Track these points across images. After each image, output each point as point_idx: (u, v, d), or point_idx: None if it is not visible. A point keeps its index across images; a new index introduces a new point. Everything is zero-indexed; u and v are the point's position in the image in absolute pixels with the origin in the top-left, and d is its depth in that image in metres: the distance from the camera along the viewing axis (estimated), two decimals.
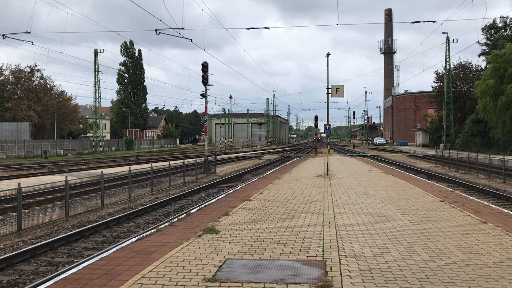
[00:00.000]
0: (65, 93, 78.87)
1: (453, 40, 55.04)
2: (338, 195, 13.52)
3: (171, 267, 6.12)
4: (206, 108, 31.37)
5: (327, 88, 23.12)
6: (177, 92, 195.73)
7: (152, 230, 9.05)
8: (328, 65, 24.32)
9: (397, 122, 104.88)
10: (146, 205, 15.55)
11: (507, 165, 24.57)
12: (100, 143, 67.17)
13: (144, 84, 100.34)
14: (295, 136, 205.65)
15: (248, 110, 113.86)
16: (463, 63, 61.46)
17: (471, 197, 13.74)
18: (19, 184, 11.88)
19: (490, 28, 52.84)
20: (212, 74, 30.08)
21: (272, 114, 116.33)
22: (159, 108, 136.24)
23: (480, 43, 54.17)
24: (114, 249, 7.52)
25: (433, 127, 65.18)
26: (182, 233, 8.42)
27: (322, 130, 34.22)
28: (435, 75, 62.75)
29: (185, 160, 26.51)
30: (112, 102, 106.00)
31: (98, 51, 65.61)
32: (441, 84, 59.78)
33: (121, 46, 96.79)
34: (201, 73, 29.31)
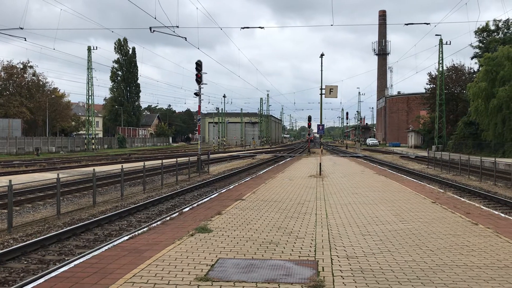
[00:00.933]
0: (58, 90, 78.48)
1: (446, 42, 55.52)
2: (331, 196, 13.55)
3: (163, 266, 6.11)
4: (199, 106, 31.33)
5: (321, 89, 23.16)
6: (171, 90, 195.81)
7: (144, 229, 9.02)
8: (322, 66, 24.36)
9: (390, 123, 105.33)
10: (138, 203, 15.50)
11: (498, 168, 24.77)
12: (93, 140, 66.83)
13: (138, 82, 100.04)
14: (288, 136, 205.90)
15: (241, 109, 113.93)
16: (456, 65, 61.87)
17: (463, 199, 13.84)
18: (10, 181, 11.80)
19: (483, 31, 53.22)
20: (206, 73, 30.05)
21: (265, 113, 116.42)
22: (152, 106, 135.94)
23: (472, 46, 54.55)
24: (106, 247, 7.49)
25: (425, 128, 65.54)
26: (174, 232, 8.40)
27: (315, 130, 34.29)
28: (428, 77, 63.15)
29: (178, 159, 26.45)
30: (105, 99, 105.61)
31: (92, 48, 65.30)
32: (434, 86, 60.13)
33: (115, 44, 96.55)
34: (195, 72, 29.27)
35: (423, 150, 56.43)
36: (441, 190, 16.72)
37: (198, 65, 29.21)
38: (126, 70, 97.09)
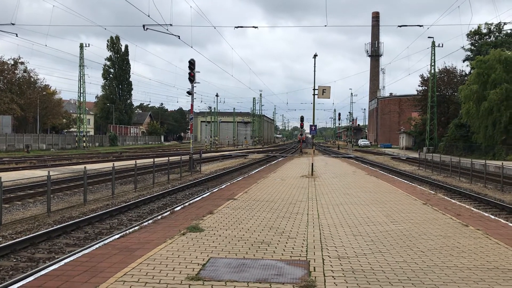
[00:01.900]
0: (49, 87, 77.91)
1: (439, 44, 55.75)
2: (323, 196, 13.58)
3: (154, 265, 6.08)
4: (192, 105, 31.25)
5: (314, 89, 23.19)
6: (163, 88, 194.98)
7: (136, 228, 8.98)
8: (315, 66, 24.38)
9: (382, 125, 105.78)
10: (130, 202, 15.42)
11: (488, 170, 24.99)
12: (84, 138, 66.47)
13: (130, 80, 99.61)
14: (280, 136, 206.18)
15: (234, 109, 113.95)
16: (448, 67, 62.23)
17: (453, 201, 13.93)
18: None
19: (475, 34, 53.59)
20: (199, 72, 30.00)
21: (258, 113, 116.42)
22: (144, 104, 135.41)
23: (464, 49, 54.92)
24: (97, 245, 7.44)
25: (416, 130, 65.90)
26: (165, 231, 8.37)
27: (307, 130, 34.35)
28: (420, 79, 63.43)
29: (170, 158, 26.38)
30: (96, 97, 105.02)
31: (84, 45, 64.91)
32: (425, 88, 60.46)
33: (107, 41, 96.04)
34: (187, 70, 29.19)
35: (414, 151, 56.76)
36: (432, 191, 16.82)
37: (191, 63, 29.14)
38: (118, 68, 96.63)
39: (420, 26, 34.64)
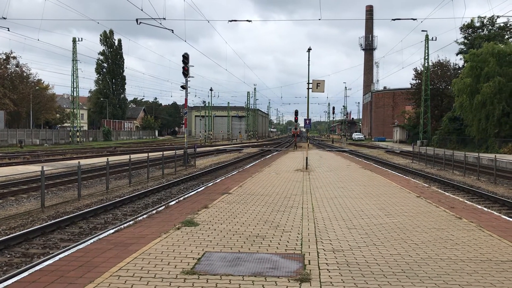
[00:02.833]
0: (42, 81, 77.39)
1: (432, 38, 55.84)
2: (317, 189, 13.62)
3: (149, 260, 6.08)
4: (186, 100, 31.16)
5: (308, 83, 23.18)
6: (157, 83, 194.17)
7: (130, 222, 8.97)
8: (309, 60, 24.36)
9: (376, 118, 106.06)
10: (124, 196, 15.39)
11: (482, 163, 25.14)
12: (77, 133, 66.18)
13: (124, 74, 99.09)
14: (275, 130, 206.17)
15: (228, 103, 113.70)
16: (441, 61, 62.40)
17: (447, 193, 14.01)
18: None
19: (468, 28, 53.71)
20: (193, 66, 29.87)
21: (252, 107, 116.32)
22: (138, 99, 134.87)
23: (458, 42, 55.04)
24: (91, 240, 7.43)
25: (410, 123, 66.13)
26: (160, 226, 8.36)
27: (302, 124, 34.36)
28: (414, 73, 63.57)
29: (164, 152, 26.32)
30: (90, 92, 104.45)
31: (77, 39, 64.44)
32: (419, 81, 60.61)
33: (100, 35, 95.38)
34: (181, 64, 29.06)
35: (408, 145, 56.96)
36: (425, 184, 16.91)
37: (185, 58, 29.01)
38: (111, 62, 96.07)
39: (414, 19, 34.67)
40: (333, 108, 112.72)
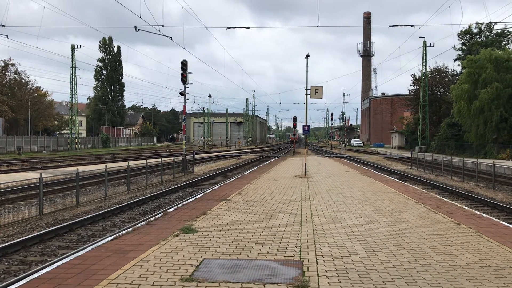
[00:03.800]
0: (41, 88, 77.42)
1: (430, 44, 56.05)
2: (316, 196, 13.61)
3: (148, 267, 6.06)
4: (185, 106, 31.19)
5: (306, 89, 23.22)
6: (155, 90, 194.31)
7: (129, 229, 8.94)
8: (307, 67, 24.40)
9: (374, 124, 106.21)
10: (123, 203, 15.36)
11: (480, 168, 25.15)
12: (76, 140, 66.08)
13: (122, 81, 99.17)
14: (273, 136, 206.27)
15: (227, 109, 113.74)
16: (439, 67, 62.66)
17: (445, 199, 14.01)
18: None
19: (466, 34, 53.96)
20: (192, 73, 29.95)
21: (251, 114, 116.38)
22: (136, 105, 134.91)
23: (455, 48, 55.28)
24: (89, 248, 7.40)
25: (409, 129, 66.26)
26: (159, 233, 8.34)
27: (300, 130, 34.42)
28: (412, 79, 63.80)
29: (163, 159, 26.31)
30: (88, 98, 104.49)
31: (76, 46, 64.53)
32: (417, 87, 60.79)
33: (99, 42, 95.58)
34: (179, 71, 29.15)
35: (407, 151, 57.04)
36: (424, 190, 16.90)
37: (184, 64, 29.08)
38: (110, 69, 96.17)
39: (411, 26, 34.78)
40: (332, 114, 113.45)
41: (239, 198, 13.08)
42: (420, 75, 58.46)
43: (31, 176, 21.84)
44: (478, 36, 53.73)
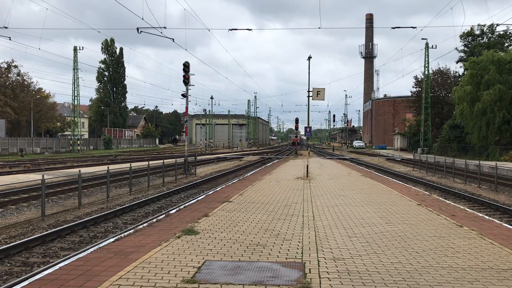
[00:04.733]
0: (43, 90, 77.62)
1: (432, 46, 56.00)
2: (318, 197, 13.60)
3: (150, 268, 6.06)
4: (187, 108, 31.23)
5: (308, 91, 23.21)
6: (157, 91, 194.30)
7: (131, 231, 8.95)
8: (309, 68, 24.40)
9: (376, 126, 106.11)
10: (125, 205, 15.38)
11: (482, 170, 25.08)
12: (78, 141, 66.21)
13: (125, 82, 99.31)
14: (275, 138, 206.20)
15: (229, 111, 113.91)
16: (441, 69, 62.57)
17: (448, 201, 13.98)
18: None
19: (468, 36, 53.92)
20: (194, 74, 30.02)
21: (253, 115, 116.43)
22: (139, 107, 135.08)
23: (458, 50, 55.26)
24: (91, 249, 7.41)
25: (411, 131, 66.15)
26: (161, 234, 8.35)
27: (302, 132, 34.39)
28: (414, 80, 63.74)
29: (165, 161, 26.34)
30: (91, 100, 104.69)
31: (78, 48, 64.68)
32: (419, 89, 60.73)
33: (102, 44, 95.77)
34: (181, 73, 29.17)
35: (409, 152, 56.93)
36: (426, 192, 16.87)
37: (186, 66, 29.11)
38: (113, 71, 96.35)
39: (413, 27, 34.78)
40: (334, 116, 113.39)
41: (241, 199, 13.08)
42: (422, 77, 58.40)
43: (34, 177, 21.88)
44: (480, 38, 53.70)
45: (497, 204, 16.20)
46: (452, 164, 27.83)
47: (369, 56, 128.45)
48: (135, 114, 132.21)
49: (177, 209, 11.94)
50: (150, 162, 25.01)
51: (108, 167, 18.96)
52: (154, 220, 10.27)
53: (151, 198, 17.09)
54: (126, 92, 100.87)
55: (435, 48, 55.86)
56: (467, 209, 12.27)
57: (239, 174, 27.72)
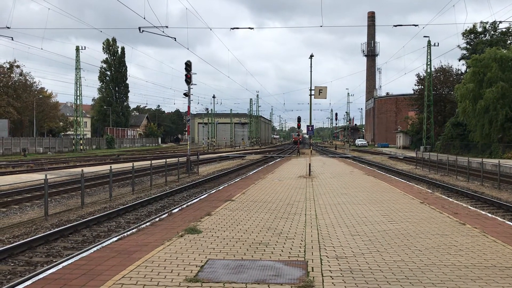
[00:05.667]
0: (46, 90, 77.76)
1: (434, 44, 55.87)
2: (320, 196, 13.59)
3: (152, 267, 6.08)
4: (189, 107, 31.23)
5: (310, 90, 23.19)
6: (159, 91, 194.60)
7: (133, 230, 8.97)
8: (311, 67, 24.35)
9: (379, 124, 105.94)
10: (127, 204, 15.40)
11: (485, 168, 25.04)
12: (81, 141, 66.29)
13: (127, 82, 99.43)
14: (278, 136, 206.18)
15: (231, 110, 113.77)
16: (443, 66, 62.39)
17: (450, 199, 13.96)
18: None
19: (470, 33, 53.74)
20: (196, 73, 29.99)
21: (255, 114, 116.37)
22: (141, 106, 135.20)
23: (460, 48, 55.06)
24: (94, 248, 7.43)
25: (413, 129, 66.02)
26: (163, 233, 8.36)
27: (305, 131, 34.39)
28: (416, 78, 63.61)
29: (167, 160, 26.36)
30: (93, 100, 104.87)
31: (80, 48, 64.74)
32: (422, 87, 60.60)
33: (103, 44, 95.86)
34: (183, 72, 29.19)
35: (411, 150, 56.86)
36: (429, 190, 16.85)
37: (188, 65, 29.11)
38: (115, 70, 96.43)
39: (416, 25, 34.71)
40: (336, 114, 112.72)
41: (244, 198, 13.09)
42: (425, 74, 58.28)
43: (37, 177, 21.93)
44: (482, 35, 53.50)
45: (500, 202, 16.16)
46: (455, 162, 27.78)
47: (371, 54, 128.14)
48: (137, 114, 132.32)
49: (180, 208, 11.96)
50: (153, 162, 25.02)
51: (110, 166, 18.98)
52: (157, 219, 10.29)
53: (154, 197, 17.11)
54: (128, 91, 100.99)
55: (437, 46, 55.91)
56: (470, 207, 12.25)
57: (242, 173, 27.73)
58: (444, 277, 5.65)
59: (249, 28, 34.26)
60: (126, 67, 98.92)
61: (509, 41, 51.15)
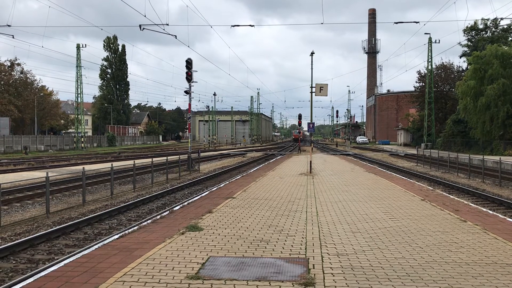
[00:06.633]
0: (46, 88, 77.81)
1: (435, 41, 55.75)
2: (321, 193, 13.60)
3: (154, 265, 6.09)
4: (190, 105, 31.23)
5: (311, 87, 23.17)
6: (160, 88, 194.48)
7: (135, 228, 8.98)
8: (312, 64, 24.35)
9: (380, 121, 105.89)
10: (129, 202, 15.42)
11: (486, 165, 25.03)
12: (82, 139, 66.33)
13: (127, 79, 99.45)
14: (278, 134, 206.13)
15: (232, 107, 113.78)
16: (444, 63, 62.30)
17: (451, 196, 13.97)
18: None
19: (471, 30, 53.66)
20: (196, 71, 29.96)
21: (256, 112, 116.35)
22: (142, 104, 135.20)
23: (461, 45, 54.99)
24: (96, 246, 7.45)
25: (414, 126, 65.98)
26: (165, 231, 8.38)
27: (305, 128, 34.38)
28: (417, 75, 63.51)
29: (168, 157, 26.38)
30: (94, 97, 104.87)
31: (81, 46, 64.70)
32: (423, 84, 60.52)
33: (104, 41, 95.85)
34: (183, 69, 29.17)
35: (413, 148, 56.82)
36: (430, 187, 16.85)
37: (189, 63, 29.10)
38: (115, 68, 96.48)
39: (417, 22, 34.67)
40: (337, 111, 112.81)
41: (245, 196, 13.10)
42: (426, 71, 58.19)
43: (38, 175, 21.96)
44: (484, 32, 53.43)
45: (501, 199, 16.15)
46: (456, 159, 27.77)
47: (372, 51, 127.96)
48: (138, 111, 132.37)
49: (181, 205, 11.98)
50: (154, 159, 25.04)
51: (112, 164, 19.00)
52: (158, 216, 10.31)
53: (155, 194, 17.13)
54: (129, 89, 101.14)
55: (438, 42, 55.64)
56: (471, 204, 12.25)
57: (243, 171, 27.74)
58: (445, 274, 5.66)
59: (249, 25, 34.22)
60: (127, 64, 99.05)
61: (510, 38, 51.09)
